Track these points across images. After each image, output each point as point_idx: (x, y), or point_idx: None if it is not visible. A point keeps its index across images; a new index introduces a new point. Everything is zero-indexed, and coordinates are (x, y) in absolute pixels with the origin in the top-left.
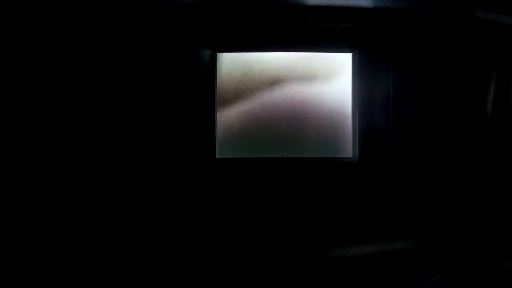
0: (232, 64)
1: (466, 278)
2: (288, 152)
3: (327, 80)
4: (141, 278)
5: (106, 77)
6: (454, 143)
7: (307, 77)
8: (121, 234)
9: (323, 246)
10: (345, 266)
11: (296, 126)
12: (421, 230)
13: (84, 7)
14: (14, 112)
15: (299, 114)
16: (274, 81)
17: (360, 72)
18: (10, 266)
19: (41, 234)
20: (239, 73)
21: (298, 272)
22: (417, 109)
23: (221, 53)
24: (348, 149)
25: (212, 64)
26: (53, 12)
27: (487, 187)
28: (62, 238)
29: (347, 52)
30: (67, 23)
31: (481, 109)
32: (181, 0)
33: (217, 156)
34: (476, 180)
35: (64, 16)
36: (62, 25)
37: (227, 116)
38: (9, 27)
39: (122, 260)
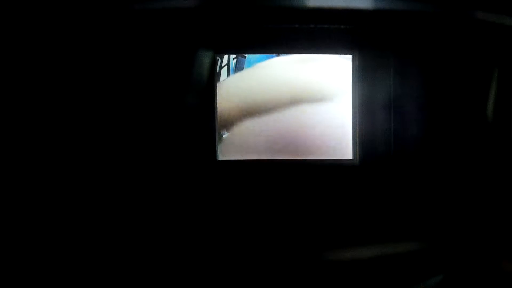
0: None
1: (468, 279)
2: (289, 155)
3: (327, 81)
4: (141, 279)
5: (107, 79)
6: (456, 144)
7: (308, 79)
8: (121, 235)
9: (324, 249)
10: (346, 269)
11: (296, 127)
12: (424, 233)
13: (84, 9)
14: (11, 112)
15: (300, 115)
16: (275, 83)
17: (360, 73)
18: (10, 266)
19: (41, 233)
20: (239, 74)
21: (299, 275)
22: (418, 110)
23: (221, 55)
24: (348, 151)
25: (212, 65)
26: (53, 14)
27: (489, 188)
28: (62, 237)
29: (347, 54)
30: (67, 25)
31: (482, 110)
32: (182, 2)
33: (218, 158)
34: (478, 182)
35: (65, 18)
36: (62, 27)
37: (228, 118)
38: (8, 28)
39: (122, 260)
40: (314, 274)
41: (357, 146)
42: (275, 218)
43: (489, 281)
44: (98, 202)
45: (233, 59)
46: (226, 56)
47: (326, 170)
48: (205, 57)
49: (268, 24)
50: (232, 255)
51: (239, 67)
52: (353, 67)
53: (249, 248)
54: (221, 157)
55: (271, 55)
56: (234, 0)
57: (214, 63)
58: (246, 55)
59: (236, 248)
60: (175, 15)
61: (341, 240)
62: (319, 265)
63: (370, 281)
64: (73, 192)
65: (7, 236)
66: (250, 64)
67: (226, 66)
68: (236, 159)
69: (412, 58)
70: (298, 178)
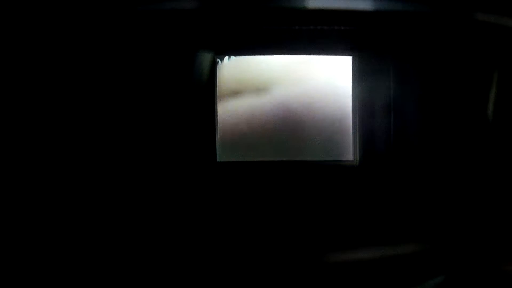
0: (233, 67)
1: (469, 281)
2: (289, 156)
3: (327, 82)
4: (141, 278)
5: (107, 81)
6: (456, 146)
7: (308, 80)
8: (122, 236)
9: (324, 251)
10: (346, 271)
11: (296, 129)
12: (425, 234)
13: (85, 12)
14: (13, 112)
15: (300, 117)
16: (275, 85)
17: (360, 74)
18: (10, 266)
19: (41, 234)
20: (239, 76)
21: (299, 277)
22: (418, 111)
23: (221, 56)
24: (348, 152)
25: (212, 67)
26: (54, 15)
27: (490, 190)
28: (63, 238)
29: (347, 55)
30: (69, 27)
31: (482, 112)
32: (182, 4)
33: (218, 160)
34: (478, 183)
35: (66, 20)
36: (63, 28)
37: (228, 119)
38: (11, 30)
39: (122, 261)
40: (314, 275)
41: (357, 147)
42: (275, 219)
43: (489, 282)
44: (98, 202)
45: None
46: (226, 58)
47: (326, 170)
48: (206, 59)
49: (268, 26)
50: (232, 256)
51: None
52: (353, 68)
53: (250, 249)
54: (220, 158)
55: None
56: (235, 2)
57: (214, 64)
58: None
59: (237, 249)
60: (176, 17)
61: (341, 241)
62: (320, 266)
63: (370, 283)
64: (74, 193)
65: (7, 236)
66: None
67: None
68: (236, 160)
69: (411, 59)
70: (298, 178)
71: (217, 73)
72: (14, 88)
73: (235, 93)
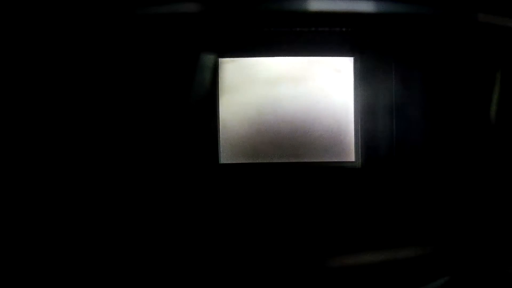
0: (235, 69)
1: (473, 283)
2: (292, 157)
3: (329, 84)
4: (143, 280)
5: (110, 83)
6: (459, 147)
7: (310, 82)
8: (126, 238)
9: (328, 254)
10: (350, 275)
11: (299, 130)
12: (429, 237)
13: (88, 16)
14: (13, 112)
15: (302, 118)
16: (277, 86)
17: (361, 76)
18: (10, 266)
19: (42, 234)
20: (241, 78)
21: (301, 282)
22: (420, 113)
23: (223, 59)
24: (351, 154)
25: (215, 69)
26: (57, 17)
27: (494, 192)
28: (65, 238)
29: (349, 56)
30: (72, 30)
31: (485, 113)
32: (185, 7)
33: (221, 162)
34: (482, 185)
35: (70, 23)
36: (67, 31)
37: (230, 122)
38: (12, 32)
39: (125, 262)
40: (316, 279)
41: (359, 148)
42: (276, 221)
43: (494, 284)
44: (101, 204)
45: None
46: (228, 60)
47: (328, 172)
48: (208, 61)
49: (271, 28)
50: (235, 259)
51: None
52: (354, 70)
53: (252, 251)
54: (223, 160)
55: None
56: (237, 4)
57: (216, 66)
58: None
59: (239, 251)
60: (178, 20)
61: (344, 245)
62: (323, 270)
63: (374, 286)
64: (77, 194)
65: (8, 236)
66: None
67: None
68: (239, 162)
69: (413, 61)
70: (300, 180)
71: (219, 75)
72: (14, 90)
73: (237, 95)
